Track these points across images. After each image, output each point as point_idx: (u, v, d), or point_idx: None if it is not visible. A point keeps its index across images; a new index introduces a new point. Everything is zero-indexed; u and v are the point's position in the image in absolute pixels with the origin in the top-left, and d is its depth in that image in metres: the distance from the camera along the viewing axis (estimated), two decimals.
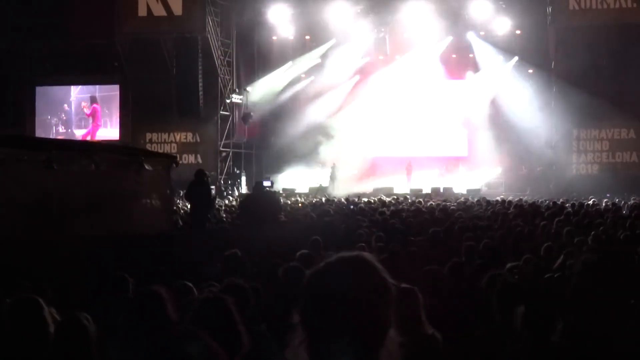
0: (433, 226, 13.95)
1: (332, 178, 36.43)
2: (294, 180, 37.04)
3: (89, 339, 4.98)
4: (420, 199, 27.20)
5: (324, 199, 28.77)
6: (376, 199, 27.25)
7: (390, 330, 2.37)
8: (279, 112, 39.72)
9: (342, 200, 26.60)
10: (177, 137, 38.10)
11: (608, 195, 28.12)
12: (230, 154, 38.06)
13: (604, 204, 22.03)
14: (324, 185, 35.89)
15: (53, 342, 5.04)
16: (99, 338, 5.11)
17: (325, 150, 37.91)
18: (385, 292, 2.35)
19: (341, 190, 35.24)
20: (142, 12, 36.53)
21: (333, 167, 36.53)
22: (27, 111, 38.22)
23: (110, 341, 5.15)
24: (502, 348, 4.92)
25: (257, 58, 40.55)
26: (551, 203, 21.17)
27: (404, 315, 4.43)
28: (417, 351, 4.32)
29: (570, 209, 18.19)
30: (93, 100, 39.06)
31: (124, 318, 5.12)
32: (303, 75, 40.68)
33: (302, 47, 39.90)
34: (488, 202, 23.83)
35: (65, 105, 39.62)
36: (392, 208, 20.56)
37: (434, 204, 23.29)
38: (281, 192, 33.10)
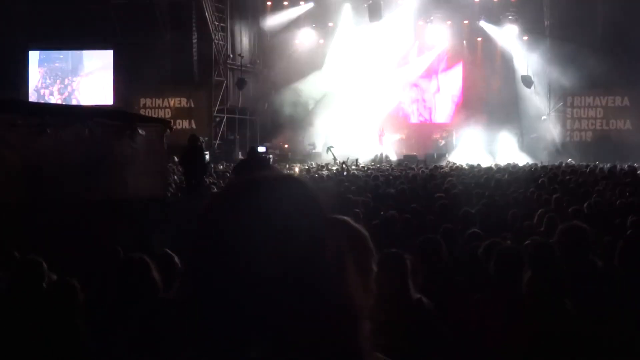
0: (426, 193, 13.96)
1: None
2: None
3: (77, 301, 5.00)
4: (413, 166, 27.25)
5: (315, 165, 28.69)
6: (370, 166, 27.29)
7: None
8: (274, 78, 39.62)
9: (337, 167, 26.53)
10: (171, 103, 37.96)
11: (601, 164, 28.11)
12: (225, 119, 37.92)
13: (597, 171, 22.05)
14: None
15: (43, 302, 5.08)
16: (86, 303, 5.14)
17: (319, 118, 37.62)
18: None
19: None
20: None
21: (329, 148, 34.73)
22: (20, 76, 37.96)
23: (98, 307, 5.18)
24: (497, 314, 4.90)
25: (251, 24, 40.31)
26: (546, 169, 21.18)
27: (386, 280, 4.41)
28: (400, 317, 4.32)
29: (565, 176, 18.22)
30: None
31: (111, 286, 5.14)
32: (297, 42, 40.46)
33: (297, 12, 39.62)
34: (481, 168, 23.91)
35: None
36: (387, 173, 20.57)
37: (427, 170, 23.27)
38: (276, 158, 33.01)
